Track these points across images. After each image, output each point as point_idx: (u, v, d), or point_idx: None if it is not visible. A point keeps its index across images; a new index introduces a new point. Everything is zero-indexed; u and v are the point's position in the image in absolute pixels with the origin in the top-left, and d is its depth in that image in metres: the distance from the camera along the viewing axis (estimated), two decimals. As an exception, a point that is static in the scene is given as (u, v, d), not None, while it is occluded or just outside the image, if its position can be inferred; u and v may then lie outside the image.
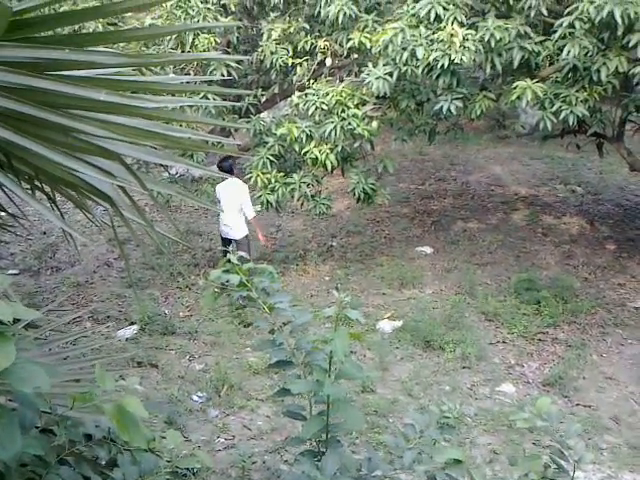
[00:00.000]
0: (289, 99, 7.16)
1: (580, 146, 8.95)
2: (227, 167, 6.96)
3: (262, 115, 8.21)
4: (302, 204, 7.49)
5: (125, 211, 2.49)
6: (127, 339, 6.73)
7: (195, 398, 5.90)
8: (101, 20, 5.44)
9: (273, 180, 6.77)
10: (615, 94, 6.37)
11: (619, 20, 4.73)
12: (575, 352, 6.68)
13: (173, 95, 2.40)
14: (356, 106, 6.68)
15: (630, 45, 5.01)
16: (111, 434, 2.26)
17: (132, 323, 7.03)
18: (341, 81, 7.32)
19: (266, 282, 2.73)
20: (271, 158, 6.86)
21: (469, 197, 11.46)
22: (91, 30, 4.76)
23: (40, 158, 2.13)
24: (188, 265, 8.56)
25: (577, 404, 5.94)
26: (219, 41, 7.08)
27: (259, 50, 7.45)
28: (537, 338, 6.98)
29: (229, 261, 2.60)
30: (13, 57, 1.95)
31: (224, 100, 5.94)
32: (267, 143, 6.94)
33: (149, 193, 2.26)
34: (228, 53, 8.02)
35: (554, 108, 5.43)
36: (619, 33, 4.95)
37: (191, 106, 5.71)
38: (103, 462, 2.25)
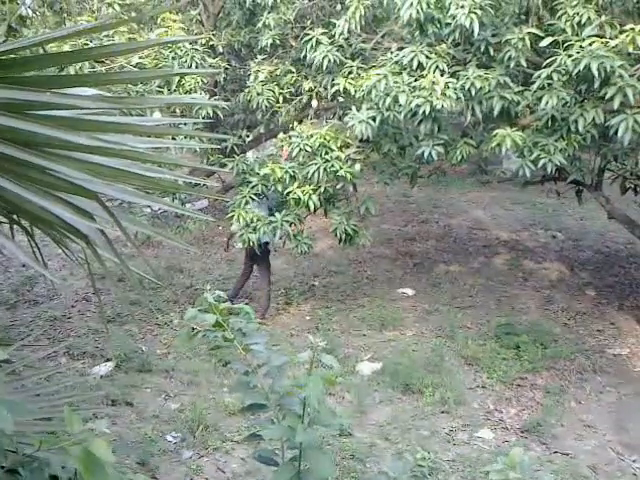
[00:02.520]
0: (274, 140, 7.23)
1: (560, 193, 9.11)
2: None
3: (247, 154, 8.28)
4: (284, 243, 7.51)
5: (102, 249, 2.49)
6: (102, 376, 6.61)
7: (169, 438, 5.78)
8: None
9: (255, 219, 6.80)
10: (594, 143, 6.51)
11: (595, 73, 4.88)
12: (554, 398, 6.67)
13: (154, 136, 2.43)
14: (339, 148, 6.77)
15: (606, 97, 5.16)
16: (77, 476, 2.21)
17: (108, 360, 6.92)
18: (327, 122, 7.42)
19: (243, 322, 2.72)
20: (254, 197, 6.90)
21: (451, 240, 11.56)
22: (77, 69, 4.81)
23: (17, 196, 2.13)
24: (168, 302, 8.49)
25: (555, 451, 5.90)
26: (206, 81, 7.18)
27: (246, 90, 7.56)
28: (516, 383, 6.97)
29: (205, 300, 2.60)
30: (-6, 98, 1.96)
31: (209, 141, 6.00)
32: (250, 182, 6.99)
33: (124, 232, 2.26)
34: (215, 93, 8.13)
35: (533, 156, 5.55)
36: (596, 85, 5.10)
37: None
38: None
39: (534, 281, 9.79)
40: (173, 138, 3.15)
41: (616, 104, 5.09)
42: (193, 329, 2.62)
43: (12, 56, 2.08)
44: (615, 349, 7.84)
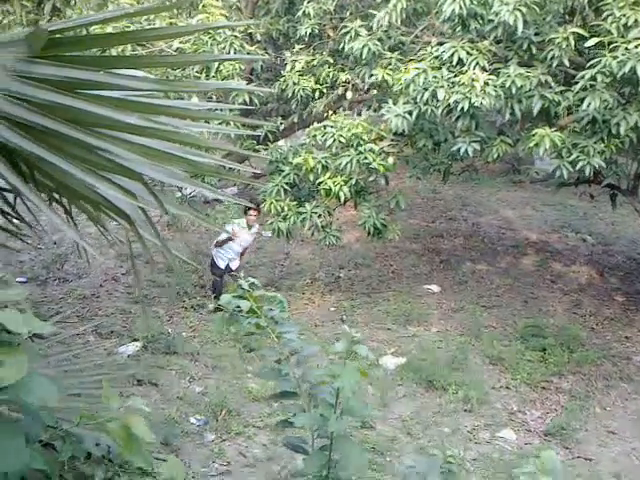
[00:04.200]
0: (307, 129, 7.23)
1: (594, 196, 8.97)
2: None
3: (279, 143, 8.30)
4: (312, 233, 7.52)
5: (141, 229, 2.52)
6: (129, 356, 6.71)
7: (193, 421, 5.85)
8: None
9: (286, 208, 6.82)
10: (632, 147, 6.40)
11: (641, 76, 4.79)
12: (578, 403, 6.60)
13: (196, 120, 2.44)
14: (373, 141, 6.75)
15: (651, 101, 5.07)
16: (110, 454, 2.24)
17: (135, 340, 7.01)
18: (359, 115, 7.39)
19: (275, 311, 2.74)
20: (285, 186, 6.91)
21: (479, 238, 11.46)
22: (118, 51, 4.85)
23: (64, 173, 2.16)
24: (195, 286, 8.57)
25: (578, 456, 5.85)
26: (243, 68, 7.19)
27: (281, 80, 7.56)
28: (541, 386, 6.91)
29: (240, 286, 2.62)
30: (46, 75, 1.99)
31: (243, 127, 6.03)
32: (283, 171, 7.00)
33: (170, 214, 2.29)
34: (251, 80, 8.14)
35: (571, 158, 5.47)
36: (640, 89, 5.01)
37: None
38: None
39: (562, 284, 9.67)
40: (207, 122, 3.16)
41: (660, 109, 5.00)
42: (230, 314, 2.64)
43: (64, 35, 2.11)
44: (642, 357, 7.72)
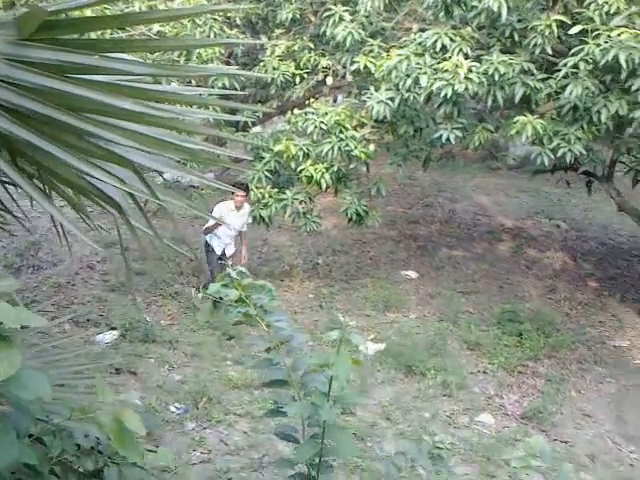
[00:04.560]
0: (287, 116, 7.17)
1: (570, 183, 9.08)
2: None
3: (256, 129, 8.22)
4: (293, 220, 7.48)
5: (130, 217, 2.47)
6: (107, 344, 6.62)
7: (173, 409, 5.80)
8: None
9: (267, 195, 6.76)
10: (608, 135, 6.47)
11: (623, 64, 4.83)
12: (554, 387, 6.72)
13: (185, 106, 2.39)
14: (354, 128, 6.72)
15: (632, 89, 5.11)
16: (99, 445, 2.21)
17: (112, 328, 6.92)
18: (334, 101, 7.34)
19: (265, 299, 2.71)
20: (267, 174, 6.86)
21: (455, 225, 11.55)
22: (98, 35, 4.70)
23: (53, 159, 2.10)
24: (172, 273, 8.48)
25: (554, 439, 5.95)
26: (223, 52, 7.08)
27: (261, 65, 7.47)
28: (517, 370, 7.01)
29: (228, 275, 2.58)
30: (38, 58, 1.92)
31: (223, 112, 5.94)
32: (263, 158, 6.94)
33: (161, 202, 2.24)
34: (229, 64, 8.02)
35: (552, 145, 5.51)
36: (622, 77, 5.05)
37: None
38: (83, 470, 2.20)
39: (537, 269, 9.81)
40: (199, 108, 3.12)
41: (642, 97, 5.05)
42: (214, 304, 2.61)
43: (54, 18, 2.03)
44: (616, 341, 7.89)
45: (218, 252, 7.73)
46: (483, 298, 8.72)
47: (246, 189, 7.23)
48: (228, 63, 7.71)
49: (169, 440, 5.37)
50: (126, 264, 2.51)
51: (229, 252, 7.75)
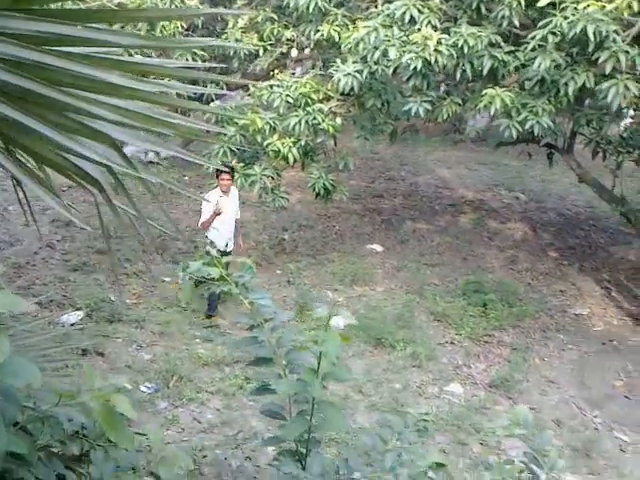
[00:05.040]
0: (251, 89, 7.03)
1: (531, 155, 9.22)
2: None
3: (216, 103, 8.05)
4: (260, 196, 7.40)
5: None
6: (72, 325, 6.47)
7: (143, 389, 5.74)
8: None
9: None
10: (569, 107, 6.57)
11: (591, 37, 4.88)
12: (519, 355, 6.88)
13: (164, 79, 2.31)
14: (320, 101, 6.65)
15: (599, 62, 5.18)
16: (85, 429, 2.17)
17: (77, 309, 6.77)
18: (293, 74, 7.22)
19: (246, 277, 2.67)
20: (232, 147, 6.73)
21: (418, 198, 11.64)
22: (59, 5, 4.48)
23: (29, 135, 2.01)
24: (136, 251, 8.31)
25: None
26: (184, 25, 6.89)
27: (223, 37, 7.29)
28: (484, 340, 7.16)
29: (207, 253, 2.53)
30: (17, 29, 1.82)
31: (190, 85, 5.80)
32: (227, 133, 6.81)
33: (145, 182, 2.18)
34: (189, 37, 7.81)
35: (520, 117, 5.56)
36: (589, 49, 5.10)
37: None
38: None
39: (499, 241, 9.99)
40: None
41: (608, 69, 5.12)
42: (196, 283, 2.56)
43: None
44: (576, 309, 8.12)
45: (220, 247, 7.01)
46: (448, 270, 8.83)
47: (231, 171, 6.70)
48: (189, 36, 7.51)
49: (141, 420, 5.30)
50: (107, 243, 2.43)
51: (230, 248, 6.71)
